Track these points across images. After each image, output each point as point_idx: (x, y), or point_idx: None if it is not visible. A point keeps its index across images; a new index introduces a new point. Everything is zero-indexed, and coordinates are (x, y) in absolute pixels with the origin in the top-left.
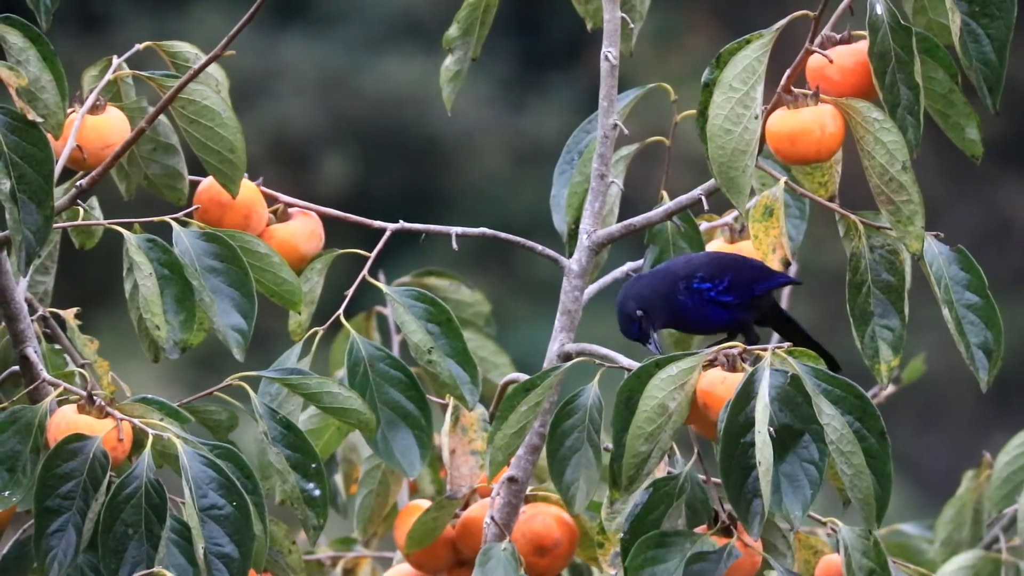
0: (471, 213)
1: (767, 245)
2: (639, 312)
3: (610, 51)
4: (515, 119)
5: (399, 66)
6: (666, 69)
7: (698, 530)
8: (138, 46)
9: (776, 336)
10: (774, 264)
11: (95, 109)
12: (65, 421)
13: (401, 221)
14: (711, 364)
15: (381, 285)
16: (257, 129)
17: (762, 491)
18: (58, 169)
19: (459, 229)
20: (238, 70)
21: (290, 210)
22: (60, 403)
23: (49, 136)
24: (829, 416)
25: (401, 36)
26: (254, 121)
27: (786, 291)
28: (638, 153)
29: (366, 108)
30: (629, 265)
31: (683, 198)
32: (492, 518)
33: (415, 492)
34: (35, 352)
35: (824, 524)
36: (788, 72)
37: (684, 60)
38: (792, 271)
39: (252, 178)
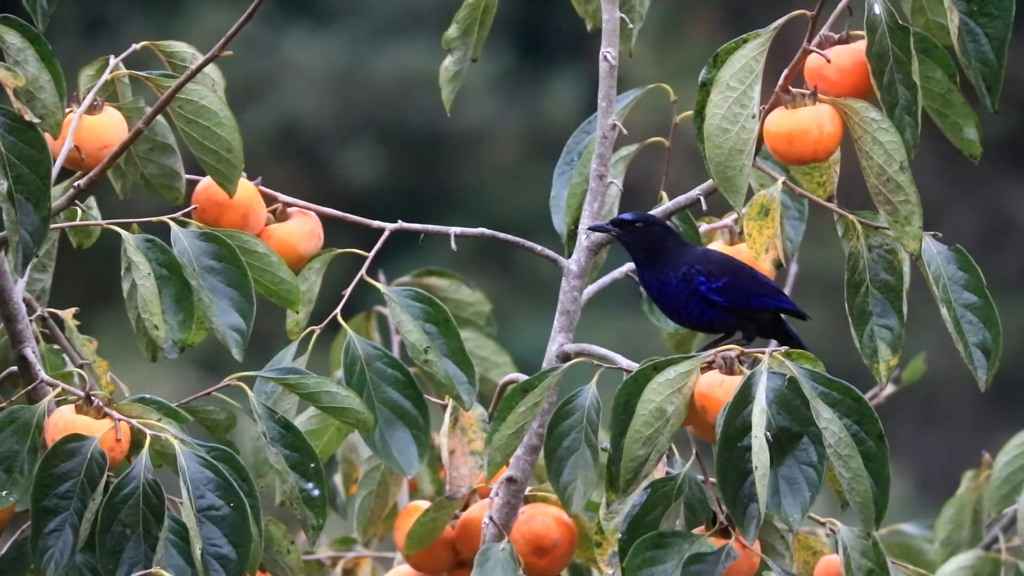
0: (478, 208)
1: (760, 244)
2: (639, 224)
3: (609, 51)
4: (524, 113)
5: (407, 59)
6: (667, 65)
7: (696, 531)
8: (135, 46)
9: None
10: (765, 264)
11: (92, 109)
12: (63, 421)
13: (400, 221)
14: (709, 366)
15: (379, 285)
16: (264, 125)
17: (758, 496)
18: (56, 169)
19: (457, 229)
20: (244, 67)
21: (289, 210)
22: (58, 403)
23: (47, 136)
24: (827, 420)
25: (406, 29)
26: (260, 117)
27: (789, 286)
28: (639, 151)
29: (374, 102)
30: (628, 266)
31: (682, 198)
32: (491, 518)
33: (415, 493)
34: (33, 352)
35: (823, 524)
36: (786, 72)
37: (686, 56)
38: (791, 272)
39: (251, 177)
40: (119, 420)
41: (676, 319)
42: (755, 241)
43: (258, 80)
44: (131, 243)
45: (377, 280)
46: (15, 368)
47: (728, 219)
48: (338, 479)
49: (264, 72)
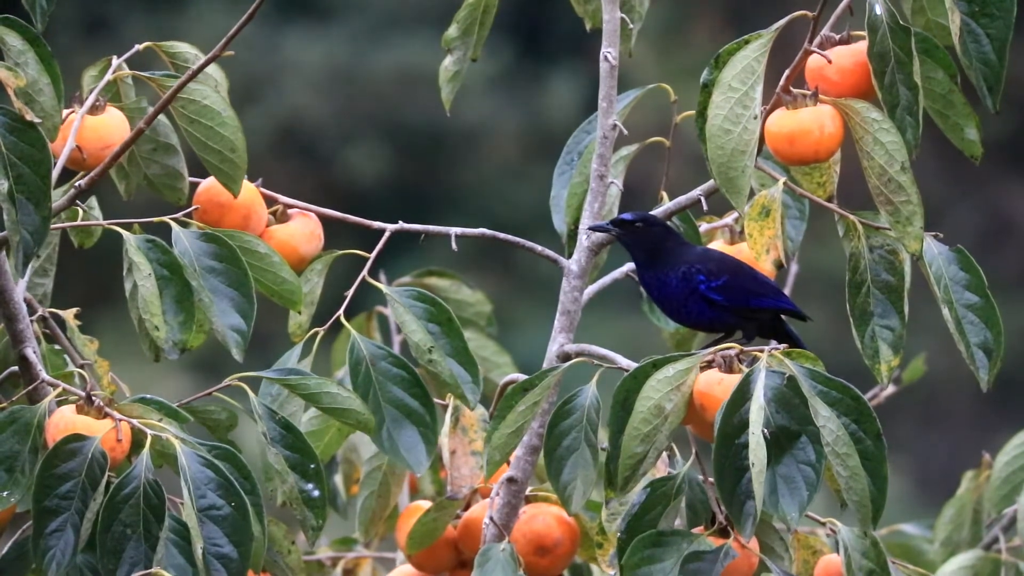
0: (478, 208)
1: (761, 245)
2: (639, 224)
3: (609, 51)
4: (523, 113)
5: (407, 56)
6: (669, 66)
7: (695, 530)
8: (137, 46)
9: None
10: (766, 265)
11: (95, 109)
12: (64, 421)
13: (400, 222)
14: (708, 365)
15: (381, 285)
16: (264, 125)
17: (755, 492)
18: (57, 170)
19: (458, 230)
20: (244, 66)
21: (289, 211)
22: (59, 403)
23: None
24: (825, 418)
25: (405, 26)
26: (260, 117)
27: (789, 286)
28: (640, 151)
29: (374, 100)
30: (629, 266)
31: (682, 199)
32: (491, 519)
33: (416, 493)
34: (34, 352)
35: (823, 524)
36: (787, 72)
37: (687, 57)
38: (792, 272)
39: (252, 178)
40: (120, 420)
41: (676, 318)
42: (756, 241)
43: (258, 79)
44: (132, 243)
45: (378, 280)
46: (16, 368)
47: (728, 218)
48: (339, 479)
49: (264, 71)
